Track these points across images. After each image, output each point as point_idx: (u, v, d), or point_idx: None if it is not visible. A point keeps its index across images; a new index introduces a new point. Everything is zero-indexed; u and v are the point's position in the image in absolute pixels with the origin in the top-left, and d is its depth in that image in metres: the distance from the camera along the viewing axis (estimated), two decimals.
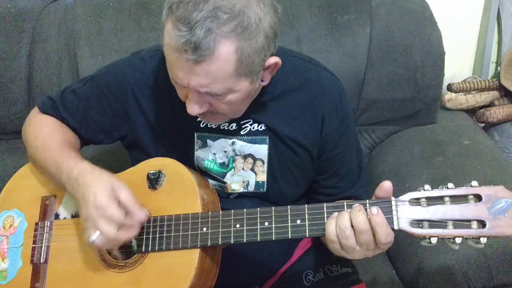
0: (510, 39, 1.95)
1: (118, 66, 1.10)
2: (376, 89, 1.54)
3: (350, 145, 1.12)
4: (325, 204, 0.91)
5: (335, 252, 0.89)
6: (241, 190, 1.10)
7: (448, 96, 1.75)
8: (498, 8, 1.90)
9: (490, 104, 1.86)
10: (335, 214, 0.88)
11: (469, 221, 0.83)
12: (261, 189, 1.09)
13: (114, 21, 1.53)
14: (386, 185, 0.87)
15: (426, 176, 1.40)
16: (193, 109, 0.92)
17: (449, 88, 1.77)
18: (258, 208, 0.94)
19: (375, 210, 0.85)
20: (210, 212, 0.96)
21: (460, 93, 1.78)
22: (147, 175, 1.01)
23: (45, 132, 1.08)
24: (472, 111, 1.84)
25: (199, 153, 1.08)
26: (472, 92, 1.82)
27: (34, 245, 1.06)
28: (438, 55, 1.54)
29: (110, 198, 0.91)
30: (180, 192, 1.00)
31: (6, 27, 1.54)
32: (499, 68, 1.94)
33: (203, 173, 1.10)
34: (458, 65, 1.96)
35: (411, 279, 1.27)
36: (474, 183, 0.84)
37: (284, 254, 1.18)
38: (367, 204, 0.87)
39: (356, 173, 1.14)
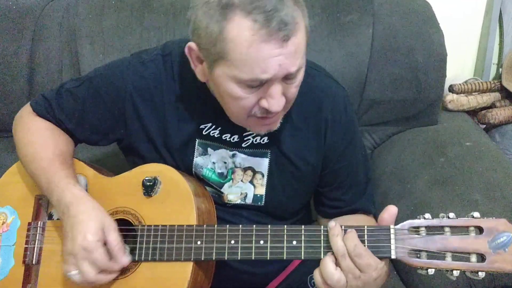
0: None
1: (117, 68, 1.07)
2: (378, 89, 1.54)
3: (356, 157, 1.09)
4: (322, 226, 0.89)
5: None
6: (238, 201, 1.08)
7: (449, 97, 1.75)
8: (500, 9, 1.89)
9: (492, 106, 1.86)
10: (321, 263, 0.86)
11: (468, 253, 0.81)
12: (259, 203, 1.08)
13: (116, 19, 1.52)
14: (392, 209, 0.86)
15: (427, 177, 1.40)
16: (280, 102, 0.87)
17: (451, 89, 1.77)
18: (254, 226, 0.92)
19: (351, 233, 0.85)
20: (205, 225, 0.95)
21: (462, 95, 1.78)
22: (143, 181, 0.99)
23: (37, 141, 1.06)
24: (473, 113, 1.84)
25: (198, 160, 1.06)
26: (473, 93, 1.81)
27: (27, 246, 1.05)
28: (440, 56, 1.53)
29: (98, 241, 0.90)
30: (175, 201, 0.98)
31: (7, 24, 1.54)
32: (500, 69, 1.93)
33: (200, 180, 1.08)
34: (459, 66, 1.95)
35: (413, 279, 1.26)
36: (476, 214, 0.82)
37: None
38: (365, 230, 0.86)
39: (362, 185, 1.11)
